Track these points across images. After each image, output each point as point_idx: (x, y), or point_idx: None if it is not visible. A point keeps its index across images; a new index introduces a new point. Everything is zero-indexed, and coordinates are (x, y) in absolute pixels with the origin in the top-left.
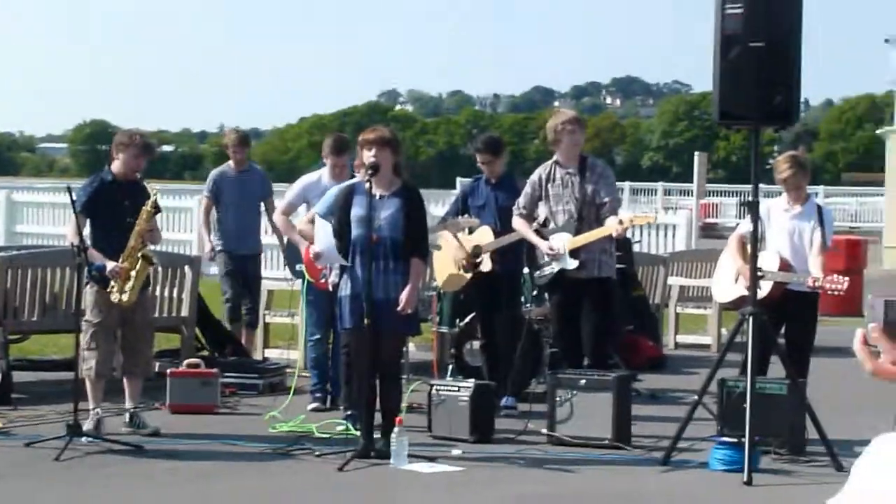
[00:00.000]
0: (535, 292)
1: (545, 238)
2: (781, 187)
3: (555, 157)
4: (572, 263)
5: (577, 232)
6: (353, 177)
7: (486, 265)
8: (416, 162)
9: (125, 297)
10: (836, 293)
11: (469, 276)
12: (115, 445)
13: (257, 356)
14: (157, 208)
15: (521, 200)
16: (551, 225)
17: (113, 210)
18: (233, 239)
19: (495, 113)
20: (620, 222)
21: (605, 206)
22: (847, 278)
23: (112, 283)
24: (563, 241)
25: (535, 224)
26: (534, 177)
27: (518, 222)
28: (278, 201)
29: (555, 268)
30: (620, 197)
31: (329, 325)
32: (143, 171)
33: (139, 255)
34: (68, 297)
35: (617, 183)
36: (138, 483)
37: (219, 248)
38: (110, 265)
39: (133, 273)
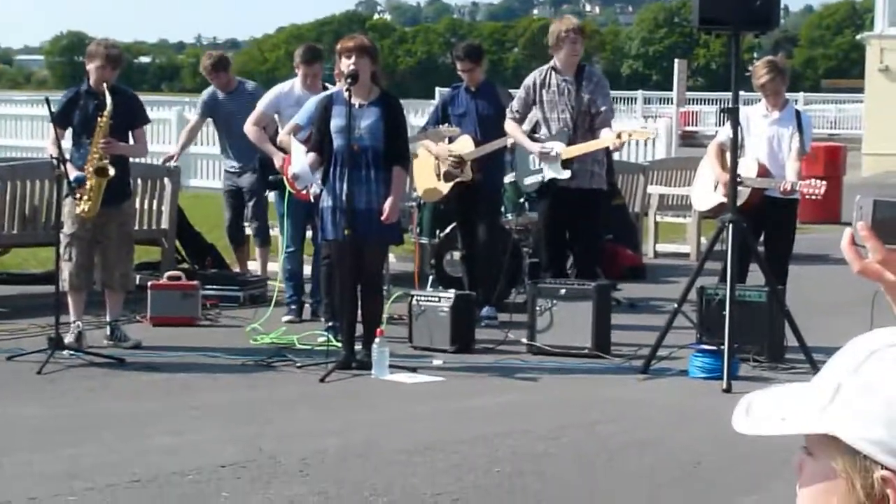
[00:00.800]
0: (522, 199)
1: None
2: (760, 93)
3: (552, 63)
4: (564, 173)
5: (570, 141)
6: (325, 87)
7: (466, 175)
8: (395, 71)
9: (86, 209)
10: (813, 197)
11: (449, 186)
12: (97, 358)
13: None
14: (128, 118)
15: (515, 104)
16: (542, 131)
17: (85, 121)
18: (234, 158)
19: (474, 21)
20: (619, 136)
21: (599, 117)
22: (824, 182)
23: (77, 194)
24: (559, 150)
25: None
26: (528, 80)
27: (510, 125)
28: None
29: (545, 176)
30: (614, 108)
31: (304, 237)
32: (115, 80)
33: (92, 168)
34: (48, 210)
35: None
36: (120, 395)
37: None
38: (73, 176)
39: (88, 185)
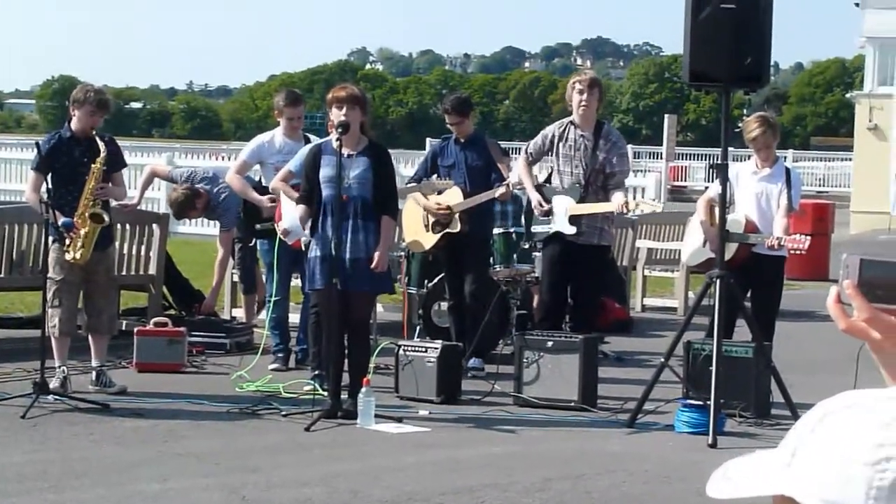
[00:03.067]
0: (526, 245)
1: (545, 194)
2: (751, 147)
3: (571, 117)
4: (570, 229)
5: (580, 198)
6: (305, 136)
7: (454, 226)
8: (386, 121)
9: (78, 256)
10: (797, 252)
11: (437, 237)
12: (82, 404)
13: (225, 315)
14: (111, 164)
15: (531, 147)
16: (556, 184)
17: (70, 167)
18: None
19: (466, 73)
20: (626, 203)
21: (613, 178)
22: (809, 237)
23: (67, 241)
24: (564, 206)
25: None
26: (547, 130)
27: (522, 165)
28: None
29: (552, 228)
30: (630, 169)
31: (290, 285)
32: (106, 127)
33: (87, 214)
34: (35, 255)
35: None
36: (104, 441)
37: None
38: (61, 222)
39: (82, 231)
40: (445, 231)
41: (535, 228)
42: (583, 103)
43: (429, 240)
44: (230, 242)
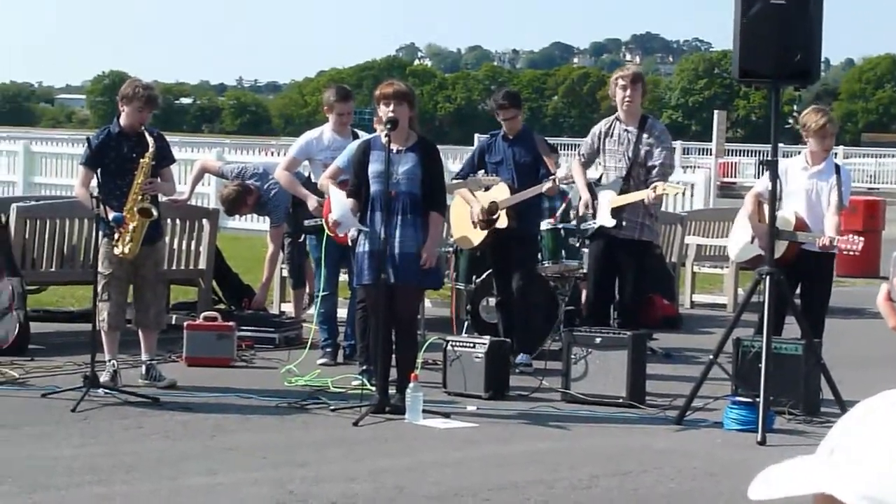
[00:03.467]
0: (578, 244)
1: (594, 192)
2: (813, 138)
3: (617, 113)
4: (609, 221)
5: (622, 192)
6: (354, 132)
7: (501, 222)
8: (435, 117)
9: (126, 250)
10: (850, 253)
11: (485, 233)
12: (132, 397)
13: (274, 310)
14: (159, 159)
15: (583, 149)
16: (604, 181)
17: (119, 162)
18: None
19: (514, 69)
20: (654, 189)
21: (655, 170)
22: (862, 239)
23: (116, 235)
24: (606, 198)
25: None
26: (595, 129)
27: (576, 167)
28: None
29: (595, 223)
30: (673, 163)
31: (338, 280)
32: (156, 122)
33: (136, 208)
34: (86, 249)
35: None
36: (154, 435)
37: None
38: (111, 216)
39: (131, 226)
40: (493, 227)
41: (584, 224)
42: (626, 99)
43: (476, 236)
44: (280, 238)
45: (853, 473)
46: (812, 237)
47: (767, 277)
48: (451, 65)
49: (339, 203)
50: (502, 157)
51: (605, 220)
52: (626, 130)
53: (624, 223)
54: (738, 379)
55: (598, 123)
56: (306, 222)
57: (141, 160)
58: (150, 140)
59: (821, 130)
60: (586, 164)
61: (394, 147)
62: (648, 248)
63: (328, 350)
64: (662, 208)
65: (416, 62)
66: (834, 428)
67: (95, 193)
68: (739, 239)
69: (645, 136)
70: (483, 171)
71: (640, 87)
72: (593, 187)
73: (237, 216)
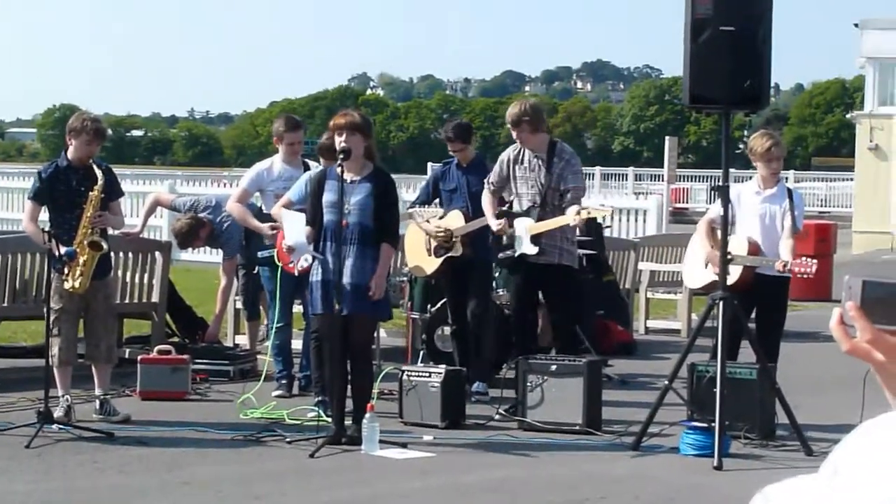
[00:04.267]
0: (498, 273)
1: (511, 220)
2: (760, 162)
3: None
4: (531, 249)
5: (539, 218)
6: (304, 162)
7: (456, 250)
8: (388, 146)
9: (77, 284)
10: (805, 276)
11: (439, 261)
12: (86, 432)
13: (228, 342)
14: (108, 192)
15: (492, 177)
16: (516, 207)
17: (69, 196)
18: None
19: (466, 97)
20: (578, 213)
21: (568, 194)
22: (815, 262)
23: (66, 270)
24: (524, 226)
25: (505, 206)
26: (503, 156)
27: (486, 198)
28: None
29: (516, 251)
30: (585, 185)
31: (290, 312)
32: (108, 155)
33: (86, 242)
34: (38, 284)
35: (587, 168)
36: (109, 470)
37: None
38: (63, 251)
39: (81, 260)
40: (448, 255)
41: (500, 254)
42: (519, 139)
43: (431, 264)
44: (233, 271)
45: (855, 498)
46: (766, 261)
47: (721, 302)
48: (404, 94)
49: (294, 228)
50: (456, 184)
51: (526, 248)
52: (536, 156)
53: (544, 248)
54: (694, 404)
55: (507, 150)
56: (260, 254)
57: (90, 193)
58: (98, 173)
59: (766, 153)
60: (496, 192)
61: (347, 177)
62: (569, 271)
63: (283, 382)
64: (615, 234)
65: (369, 91)
66: (836, 448)
67: (46, 228)
68: (693, 265)
69: (556, 160)
70: (438, 199)
71: (524, 126)
72: (508, 215)
73: (190, 249)
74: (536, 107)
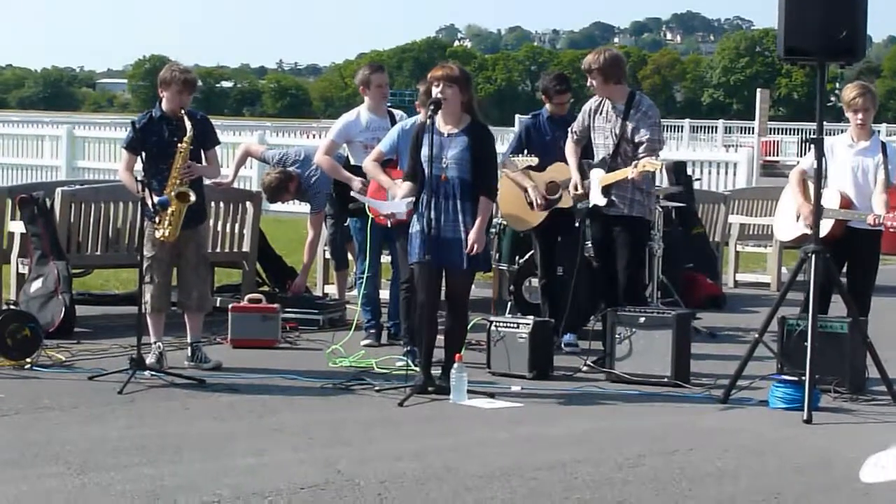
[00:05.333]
0: (578, 224)
1: (586, 171)
2: (848, 111)
3: None
4: (601, 200)
5: (609, 169)
6: (390, 112)
7: (565, 202)
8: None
9: (167, 234)
10: None
11: (545, 213)
12: (177, 379)
13: (317, 292)
14: (203, 142)
15: (575, 125)
16: (595, 157)
17: (161, 146)
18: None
19: (554, 49)
20: (635, 166)
21: (642, 146)
22: None
23: (157, 219)
24: (596, 177)
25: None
26: (586, 105)
27: (569, 147)
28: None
29: (590, 201)
30: (661, 138)
31: (379, 262)
32: (197, 106)
33: (174, 193)
34: (130, 232)
35: (676, 121)
36: (200, 416)
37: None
38: (157, 200)
39: (170, 210)
40: (556, 206)
41: (580, 204)
42: (592, 87)
43: (535, 217)
44: (320, 224)
45: None
46: (858, 215)
47: (813, 256)
48: (491, 46)
49: (394, 205)
50: (550, 137)
51: (596, 198)
52: (614, 107)
53: (615, 199)
54: (784, 358)
55: (590, 100)
56: (350, 206)
57: (179, 144)
58: (188, 124)
59: (851, 102)
60: (579, 142)
61: (444, 130)
62: (641, 223)
63: (372, 331)
64: (704, 186)
65: (456, 44)
66: None
67: (140, 177)
68: (785, 217)
69: (632, 111)
70: (526, 151)
71: (596, 75)
72: (584, 167)
73: (279, 202)
74: (611, 58)
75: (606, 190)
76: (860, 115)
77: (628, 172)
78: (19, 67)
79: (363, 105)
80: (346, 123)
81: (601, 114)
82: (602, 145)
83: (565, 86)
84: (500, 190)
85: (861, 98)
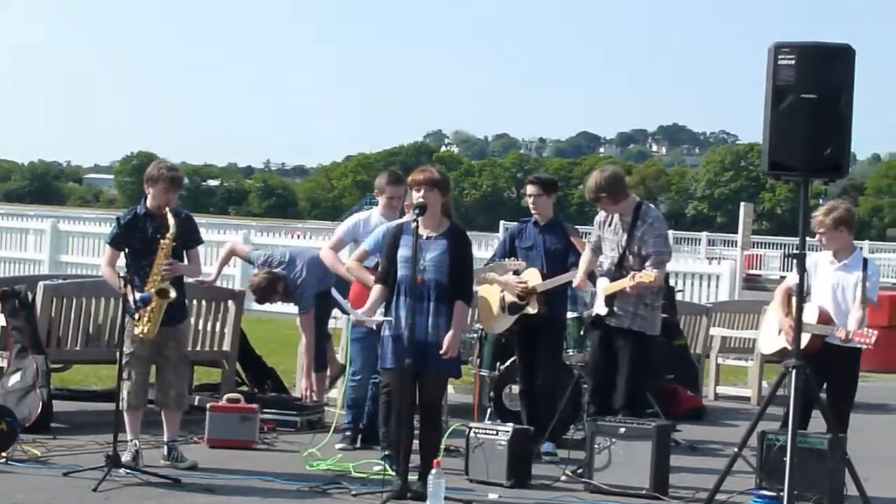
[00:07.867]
0: (581, 332)
1: (595, 277)
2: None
3: None
4: (602, 309)
5: (613, 278)
6: (402, 215)
7: (533, 306)
8: (461, 203)
9: (146, 330)
10: (865, 346)
11: (513, 318)
12: (153, 478)
13: (296, 393)
14: (186, 240)
15: (592, 236)
16: (605, 268)
17: (144, 243)
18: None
19: (541, 157)
20: (632, 278)
21: (650, 259)
22: (875, 332)
23: (137, 315)
24: (601, 286)
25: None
26: (597, 217)
27: (586, 254)
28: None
29: (593, 311)
30: (669, 249)
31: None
32: (183, 204)
33: (154, 290)
34: (111, 328)
35: None
36: None
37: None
38: (139, 296)
39: (149, 307)
40: (522, 312)
41: (585, 313)
42: (603, 210)
43: (504, 321)
44: (311, 324)
45: None
46: (830, 330)
47: (794, 370)
48: (478, 152)
49: (368, 319)
50: (533, 243)
51: (599, 307)
52: (622, 218)
53: (617, 310)
54: (763, 472)
55: (601, 213)
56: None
57: (161, 241)
58: (171, 222)
59: (814, 223)
60: (595, 251)
61: (423, 233)
62: (642, 338)
63: (348, 433)
64: (687, 298)
65: (443, 148)
66: None
67: (123, 273)
68: (768, 331)
69: (639, 223)
70: (513, 257)
71: (604, 200)
72: (594, 275)
73: (268, 303)
74: (612, 177)
75: (609, 300)
76: (821, 236)
77: (626, 284)
78: (6, 160)
79: (376, 208)
80: (356, 223)
81: (610, 226)
82: (608, 256)
83: (534, 179)
84: (477, 294)
85: (822, 217)
